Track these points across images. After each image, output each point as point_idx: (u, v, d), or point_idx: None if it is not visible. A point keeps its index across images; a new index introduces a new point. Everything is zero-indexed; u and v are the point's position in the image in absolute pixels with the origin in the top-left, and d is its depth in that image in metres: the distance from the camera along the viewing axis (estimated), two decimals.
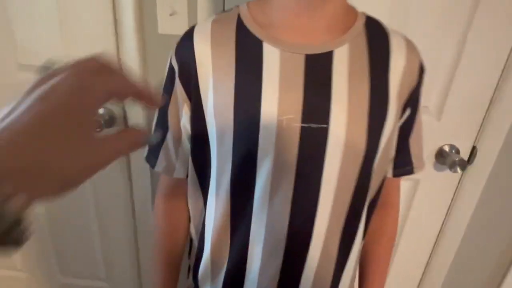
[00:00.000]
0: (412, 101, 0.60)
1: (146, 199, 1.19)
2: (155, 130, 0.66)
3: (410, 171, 0.67)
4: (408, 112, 0.61)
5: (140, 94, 0.30)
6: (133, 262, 1.32)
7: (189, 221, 0.71)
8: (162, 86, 0.64)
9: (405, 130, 0.63)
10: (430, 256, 1.19)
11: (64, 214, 1.26)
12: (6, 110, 0.25)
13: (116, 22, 0.96)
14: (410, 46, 0.58)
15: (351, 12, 0.58)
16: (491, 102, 0.95)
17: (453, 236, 1.13)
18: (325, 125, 0.52)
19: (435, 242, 1.16)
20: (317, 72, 0.53)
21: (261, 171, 0.54)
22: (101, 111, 1.10)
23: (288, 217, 0.55)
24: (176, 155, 0.65)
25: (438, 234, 1.15)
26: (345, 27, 0.56)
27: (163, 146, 0.64)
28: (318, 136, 0.52)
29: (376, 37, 0.57)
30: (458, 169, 0.97)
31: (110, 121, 1.10)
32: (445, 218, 1.12)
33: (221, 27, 0.57)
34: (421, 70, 0.59)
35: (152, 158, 0.67)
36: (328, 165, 0.53)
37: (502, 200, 1.05)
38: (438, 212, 1.11)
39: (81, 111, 0.26)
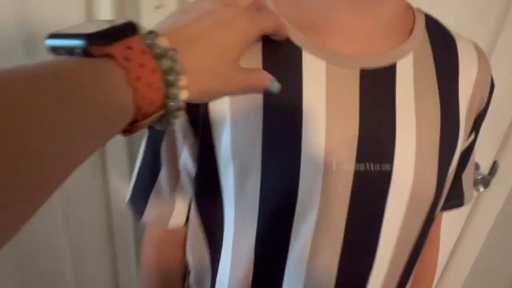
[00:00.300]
0: (477, 124, 0.48)
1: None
2: (141, 170, 0.51)
3: (460, 204, 0.56)
4: (472, 137, 0.49)
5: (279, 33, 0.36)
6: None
7: (188, 273, 0.57)
8: None
9: (464, 159, 0.51)
10: (442, 271, 1.11)
11: (31, 233, 1.09)
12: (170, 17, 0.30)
13: (90, 17, 0.80)
14: (482, 55, 0.46)
15: (409, 8, 0.45)
16: None
17: (468, 253, 1.05)
18: (388, 166, 0.39)
19: (448, 258, 1.09)
20: (376, 94, 0.40)
21: (300, 228, 0.41)
22: None
23: (334, 281, 0.43)
24: (173, 200, 0.50)
25: (452, 250, 1.07)
26: (405, 30, 0.43)
27: (155, 188, 0.49)
28: (377, 182, 0.40)
29: (441, 43, 0.44)
30: (481, 188, 0.88)
31: None
32: (460, 234, 1.04)
33: None
34: (492, 85, 0.47)
35: (138, 204, 0.51)
36: (389, 217, 0.41)
37: None
38: (454, 229, 1.03)
39: (240, 37, 0.30)
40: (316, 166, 0.39)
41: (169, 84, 0.25)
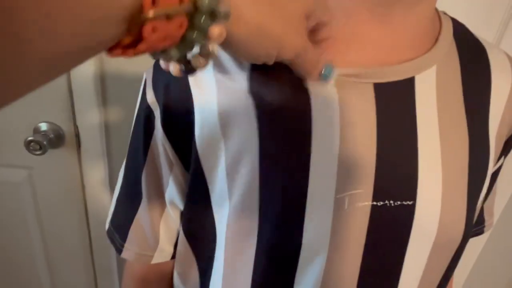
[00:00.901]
0: (509, 146, 0.42)
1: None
2: (119, 199, 0.44)
3: (480, 232, 0.50)
4: (501, 161, 0.43)
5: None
6: None
7: None
8: (131, 135, 0.42)
9: (490, 185, 0.45)
10: None
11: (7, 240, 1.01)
12: None
13: None
14: None
15: (436, 13, 0.39)
16: None
17: (464, 262, 1.02)
18: (410, 202, 0.33)
19: None
20: (394, 113, 0.34)
21: (304, 274, 0.35)
22: (44, 127, 0.86)
23: None
24: (156, 235, 0.43)
25: None
26: (430, 39, 0.37)
27: (134, 222, 0.43)
28: (398, 219, 0.34)
29: (471, 55, 0.38)
30: None
31: (57, 140, 0.87)
32: None
33: None
34: None
35: (116, 238, 0.45)
36: (410, 260, 0.35)
37: None
38: None
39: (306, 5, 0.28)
40: (325, 203, 0.33)
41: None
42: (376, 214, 0.33)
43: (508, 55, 0.41)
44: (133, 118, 0.41)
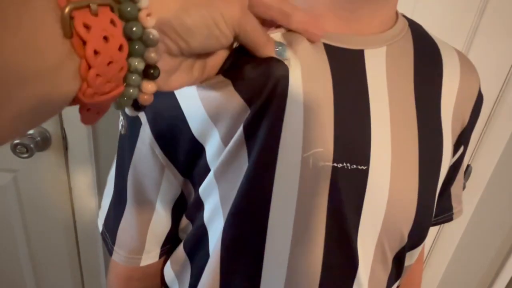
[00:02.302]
0: (465, 138, 0.45)
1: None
2: (111, 201, 0.45)
3: (449, 219, 0.53)
4: (461, 150, 0.46)
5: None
6: None
7: None
8: (118, 140, 0.43)
9: (453, 172, 0.48)
10: None
11: None
12: None
13: None
14: (466, 64, 0.43)
15: (395, 13, 0.42)
16: (488, 118, 0.88)
17: (441, 256, 1.07)
18: (364, 167, 0.36)
19: (424, 262, 1.10)
20: (346, 79, 0.36)
21: (275, 229, 0.37)
22: (31, 131, 0.86)
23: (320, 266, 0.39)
24: (143, 238, 0.44)
25: (428, 253, 1.08)
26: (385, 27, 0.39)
27: (120, 228, 0.44)
28: (354, 183, 0.36)
29: (424, 48, 0.41)
30: None
31: (43, 143, 0.87)
32: (435, 237, 1.05)
33: None
34: (479, 97, 0.45)
35: (108, 240, 0.46)
36: (365, 225, 0.38)
37: (493, 218, 1.00)
38: (430, 231, 1.04)
39: None
40: (294, 159, 0.35)
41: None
42: (336, 176, 0.35)
43: (458, 52, 0.44)
44: (119, 121, 0.42)
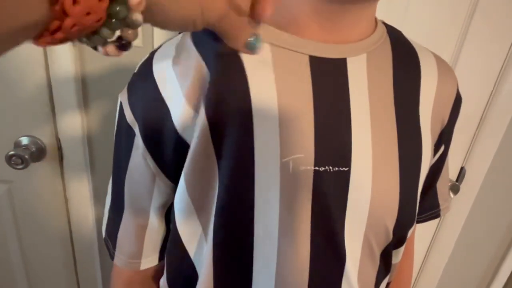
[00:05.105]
0: (445, 137, 0.47)
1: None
2: (110, 205, 0.47)
3: (437, 215, 0.55)
4: (441, 150, 0.48)
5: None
6: None
7: None
8: (114, 150, 0.44)
9: (437, 170, 0.50)
10: (417, 274, 1.13)
11: None
12: None
13: None
14: (443, 67, 0.45)
15: (375, 21, 0.43)
16: (480, 121, 0.89)
17: (439, 258, 1.07)
18: (346, 168, 0.37)
19: (423, 261, 1.11)
20: (328, 87, 0.37)
21: (260, 230, 0.38)
22: (25, 141, 0.86)
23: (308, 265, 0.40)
24: (141, 241, 0.46)
25: (426, 254, 1.09)
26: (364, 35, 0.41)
27: (120, 233, 0.45)
28: (337, 184, 0.37)
29: (402, 53, 0.42)
30: (452, 195, 0.89)
31: (39, 153, 0.87)
32: (432, 238, 1.06)
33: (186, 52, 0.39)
34: (457, 99, 0.46)
35: (109, 245, 0.47)
36: (351, 224, 0.39)
37: (489, 219, 1.01)
38: (427, 234, 1.05)
39: None
40: (271, 164, 0.36)
41: None
42: (318, 180, 0.37)
43: (436, 56, 0.46)
44: (115, 131, 0.43)
